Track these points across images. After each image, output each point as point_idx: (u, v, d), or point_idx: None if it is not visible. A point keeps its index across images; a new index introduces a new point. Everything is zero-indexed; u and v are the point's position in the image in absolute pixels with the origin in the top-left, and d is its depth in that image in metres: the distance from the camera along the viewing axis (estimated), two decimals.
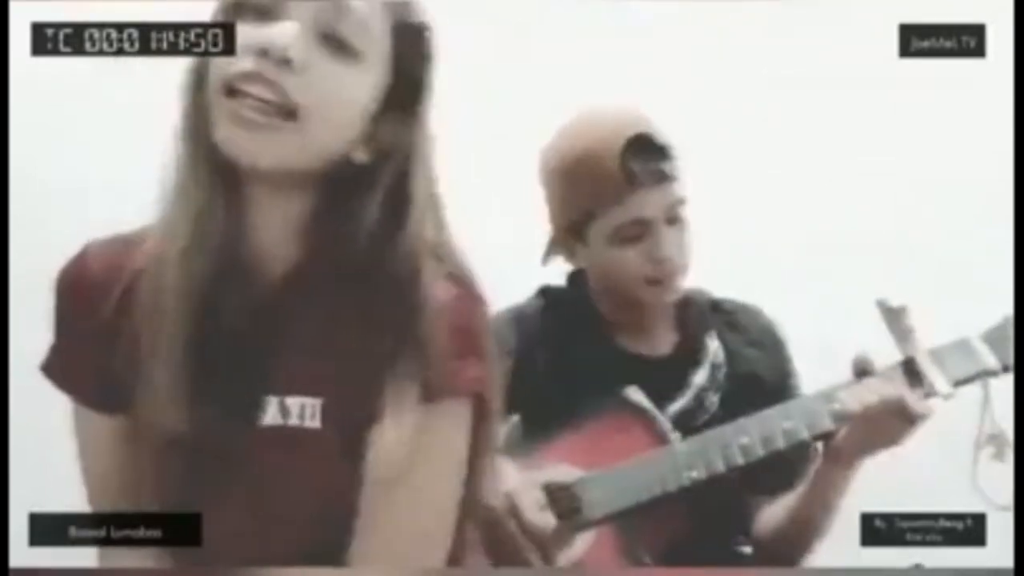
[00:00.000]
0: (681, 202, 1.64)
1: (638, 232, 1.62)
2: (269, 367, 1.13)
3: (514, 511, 1.52)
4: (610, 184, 1.60)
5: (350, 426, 1.11)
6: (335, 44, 1.08)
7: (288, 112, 1.06)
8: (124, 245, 1.17)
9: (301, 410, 1.12)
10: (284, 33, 1.06)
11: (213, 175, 1.10)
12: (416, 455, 1.11)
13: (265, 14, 1.08)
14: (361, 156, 1.12)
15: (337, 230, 1.12)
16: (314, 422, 1.12)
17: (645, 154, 1.61)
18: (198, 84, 1.10)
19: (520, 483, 1.54)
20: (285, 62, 1.05)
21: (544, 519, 1.53)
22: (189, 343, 1.11)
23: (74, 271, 1.19)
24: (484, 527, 1.52)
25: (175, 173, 1.12)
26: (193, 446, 1.12)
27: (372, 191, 1.11)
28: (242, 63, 1.06)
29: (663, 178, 1.62)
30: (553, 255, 1.76)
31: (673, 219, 1.64)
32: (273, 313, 1.14)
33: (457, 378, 1.11)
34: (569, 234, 1.69)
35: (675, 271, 1.65)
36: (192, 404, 1.11)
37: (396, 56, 1.13)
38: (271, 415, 1.12)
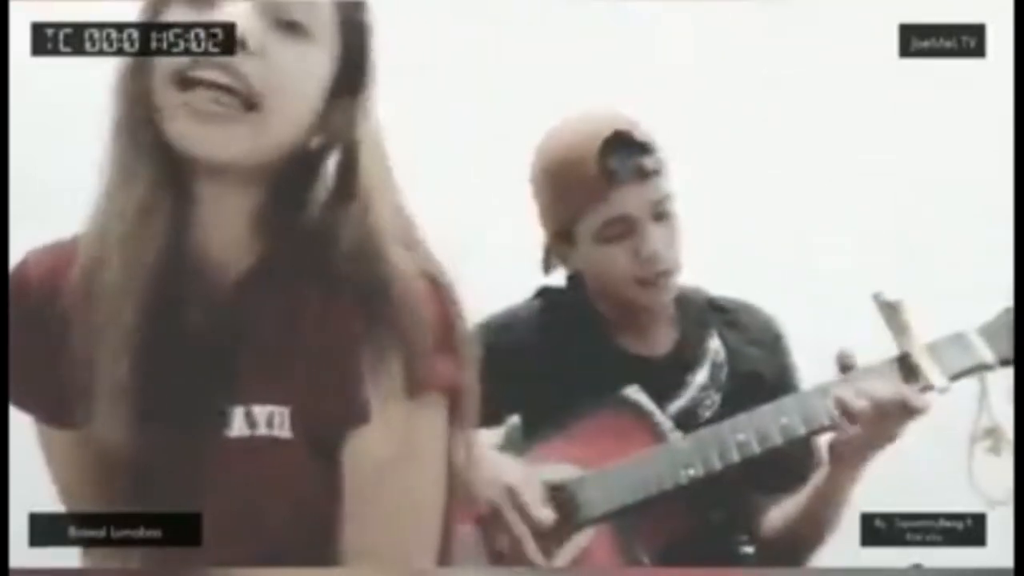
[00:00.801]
0: (667, 198, 1.64)
1: (623, 230, 1.62)
2: (231, 375, 1.09)
3: (517, 504, 1.52)
4: (590, 183, 1.60)
5: (321, 431, 1.08)
6: (285, 24, 1.05)
7: (250, 103, 1.02)
8: (64, 252, 1.12)
9: (269, 418, 1.08)
10: (236, 14, 1.02)
11: (156, 171, 1.06)
12: (396, 453, 1.09)
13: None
14: (315, 142, 1.09)
15: (292, 222, 1.08)
16: (283, 431, 1.08)
17: (624, 151, 1.61)
18: (137, 75, 1.06)
19: (522, 477, 1.54)
20: (240, 45, 1.02)
21: (546, 513, 1.53)
22: (138, 352, 1.06)
23: (15, 283, 1.14)
24: (483, 522, 1.53)
25: (111, 171, 1.08)
26: (154, 461, 1.09)
27: (322, 177, 1.08)
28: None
29: (644, 174, 1.61)
30: (551, 264, 1.76)
31: (660, 215, 1.63)
32: (232, 317, 1.09)
33: (431, 373, 1.07)
34: (559, 238, 1.69)
35: (665, 269, 1.64)
36: (147, 418, 1.07)
37: (343, 33, 1.09)
38: (237, 426, 1.08)
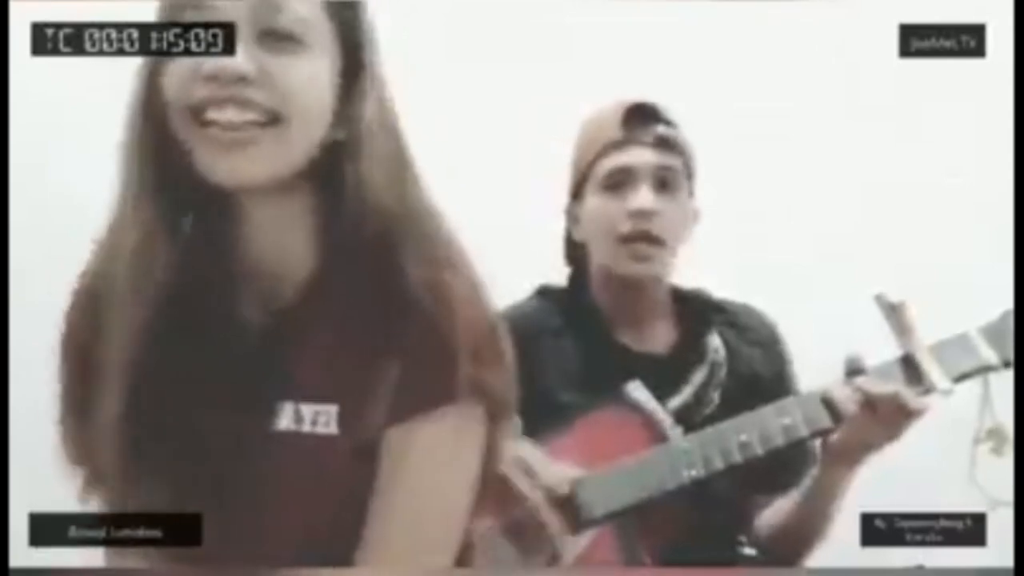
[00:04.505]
0: (671, 170, 1.68)
1: (623, 179, 1.67)
2: (284, 373, 1.12)
3: (526, 469, 1.51)
4: (608, 137, 1.68)
5: (364, 431, 1.10)
6: (278, 40, 1.07)
7: (271, 119, 1.06)
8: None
9: (315, 416, 1.11)
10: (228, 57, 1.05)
11: (198, 193, 1.09)
12: (429, 459, 1.11)
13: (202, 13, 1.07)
14: (340, 134, 1.11)
15: (342, 220, 1.11)
16: (329, 428, 1.11)
17: (647, 118, 1.68)
18: (149, 114, 1.09)
19: (528, 450, 1.54)
20: (241, 78, 1.05)
21: (559, 474, 1.53)
22: (188, 355, 1.10)
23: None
24: (504, 512, 1.53)
25: (123, 191, 1.11)
26: (205, 451, 1.11)
27: (351, 168, 1.10)
28: (198, 91, 1.05)
29: (659, 140, 1.67)
30: (569, 252, 1.79)
31: (664, 183, 1.67)
32: (288, 319, 1.13)
33: (470, 381, 1.09)
34: (574, 199, 1.75)
35: (649, 232, 1.66)
36: (200, 410, 1.10)
37: (340, 31, 1.12)
38: (285, 421, 1.11)
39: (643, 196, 1.65)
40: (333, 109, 1.11)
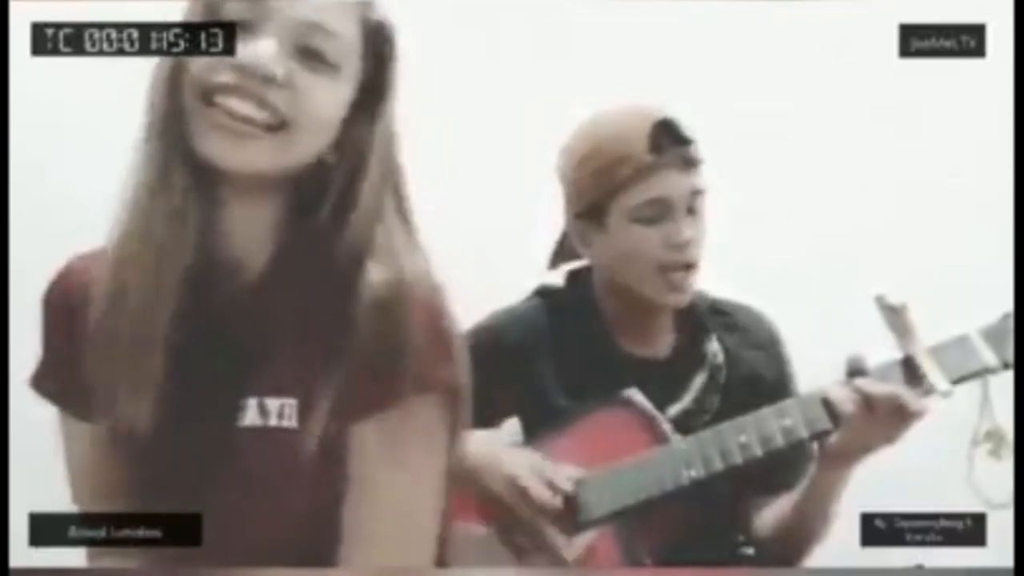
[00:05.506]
0: (700, 193, 1.66)
1: (659, 212, 1.63)
2: (248, 368, 1.13)
3: (522, 492, 1.52)
4: (638, 159, 1.62)
5: (322, 426, 1.11)
6: (310, 56, 1.10)
7: (274, 126, 1.08)
8: (102, 258, 1.16)
9: (280, 410, 1.12)
10: (265, 50, 1.07)
11: (187, 178, 1.11)
12: (393, 454, 1.12)
13: (241, 28, 1.09)
14: (331, 158, 1.14)
15: (304, 227, 1.14)
16: (291, 422, 1.12)
17: (672, 136, 1.64)
18: (173, 87, 1.10)
19: (525, 464, 1.55)
20: (269, 79, 1.07)
21: (561, 484, 1.54)
22: (164, 346, 1.11)
23: (59, 286, 1.20)
24: (500, 523, 1.54)
25: (144, 175, 1.12)
26: (173, 448, 1.12)
27: (334, 189, 1.13)
28: (222, 75, 1.07)
29: (688, 163, 1.64)
30: (560, 259, 1.77)
31: (692, 210, 1.65)
32: (250, 314, 1.14)
33: (428, 375, 1.11)
34: (589, 217, 1.69)
35: (689, 262, 1.65)
36: (169, 407, 1.11)
37: (365, 59, 1.15)
38: (251, 416, 1.12)
39: (684, 229, 1.63)
40: (337, 132, 1.13)
